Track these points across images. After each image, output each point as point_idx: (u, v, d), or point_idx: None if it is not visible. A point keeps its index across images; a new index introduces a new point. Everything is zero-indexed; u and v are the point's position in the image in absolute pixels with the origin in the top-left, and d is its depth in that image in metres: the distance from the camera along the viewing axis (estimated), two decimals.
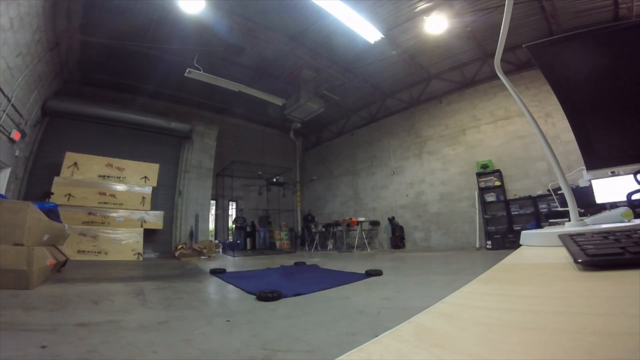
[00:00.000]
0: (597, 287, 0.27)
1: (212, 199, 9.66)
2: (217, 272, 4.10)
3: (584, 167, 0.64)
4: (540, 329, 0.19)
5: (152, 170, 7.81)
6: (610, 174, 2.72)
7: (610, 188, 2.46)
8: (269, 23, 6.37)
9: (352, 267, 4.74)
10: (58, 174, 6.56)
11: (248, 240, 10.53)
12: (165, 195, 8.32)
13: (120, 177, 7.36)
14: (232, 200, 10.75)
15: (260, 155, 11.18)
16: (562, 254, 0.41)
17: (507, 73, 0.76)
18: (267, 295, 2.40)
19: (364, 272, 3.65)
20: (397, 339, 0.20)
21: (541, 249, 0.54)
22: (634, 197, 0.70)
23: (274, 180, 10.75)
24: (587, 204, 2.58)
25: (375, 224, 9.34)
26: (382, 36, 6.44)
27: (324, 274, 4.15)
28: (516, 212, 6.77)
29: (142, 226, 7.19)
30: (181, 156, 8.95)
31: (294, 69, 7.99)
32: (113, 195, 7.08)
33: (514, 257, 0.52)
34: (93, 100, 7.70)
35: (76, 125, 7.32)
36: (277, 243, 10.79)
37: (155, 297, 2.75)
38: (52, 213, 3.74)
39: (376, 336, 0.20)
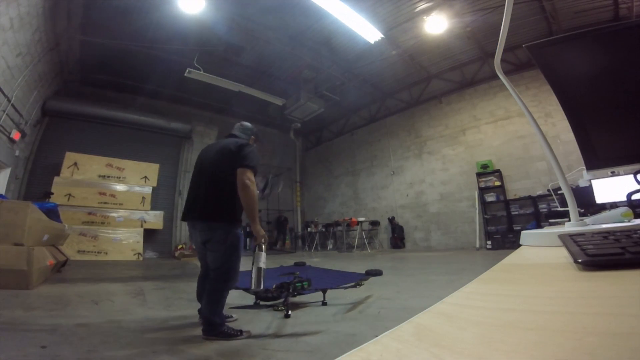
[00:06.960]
0: (597, 287, 0.27)
1: None
2: None
3: (584, 167, 0.64)
4: (540, 329, 0.19)
5: (152, 170, 7.81)
6: (610, 174, 2.71)
7: (610, 188, 2.45)
8: (269, 23, 6.36)
9: (352, 267, 4.74)
10: (58, 174, 6.56)
11: (248, 240, 10.51)
12: (165, 195, 8.32)
13: (120, 177, 7.36)
14: None
15: (260, 155, 11.13)
16: (562, 254, 0.41)
17: (507, 73, 0.76)
18: (266, 296, 2.40)
19: (364, 272, 3.65)
20: (397, 339, 0.20)
21: (541, 249, 0.54)
22: (634, 197, 0.70)
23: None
24: (587, 204, 2.57)
25: (375, 224, 9.33)
26: (382, 36, 6.43)
27: (324, 273, 4.15)
28: (516, 212, 6.77)
29: (142, 226, 7.19)
30: (181, 156, 8.95)
31: (294, 69, 7.98)
32: (113, 195, 7.09)
33: (514, 257, 0.52)
34: (93, 100, 7.70)
35: (76, 125, 7.32)
36: (278, 243, 10.82)
37: (155, 297, 2.76)
38: (52, 213, 3.75)
39: (376, 336, 0.20)
